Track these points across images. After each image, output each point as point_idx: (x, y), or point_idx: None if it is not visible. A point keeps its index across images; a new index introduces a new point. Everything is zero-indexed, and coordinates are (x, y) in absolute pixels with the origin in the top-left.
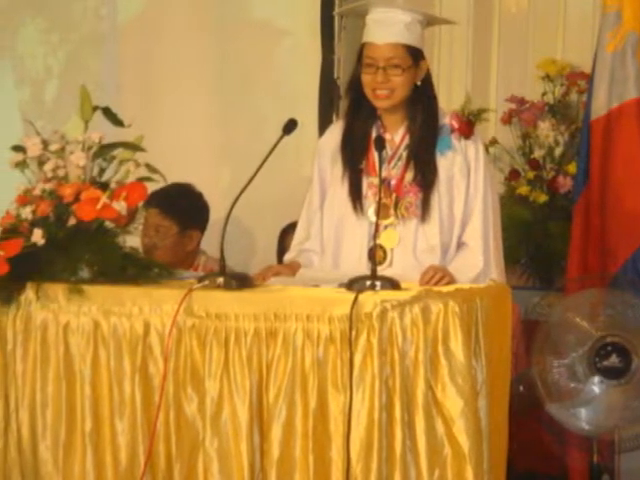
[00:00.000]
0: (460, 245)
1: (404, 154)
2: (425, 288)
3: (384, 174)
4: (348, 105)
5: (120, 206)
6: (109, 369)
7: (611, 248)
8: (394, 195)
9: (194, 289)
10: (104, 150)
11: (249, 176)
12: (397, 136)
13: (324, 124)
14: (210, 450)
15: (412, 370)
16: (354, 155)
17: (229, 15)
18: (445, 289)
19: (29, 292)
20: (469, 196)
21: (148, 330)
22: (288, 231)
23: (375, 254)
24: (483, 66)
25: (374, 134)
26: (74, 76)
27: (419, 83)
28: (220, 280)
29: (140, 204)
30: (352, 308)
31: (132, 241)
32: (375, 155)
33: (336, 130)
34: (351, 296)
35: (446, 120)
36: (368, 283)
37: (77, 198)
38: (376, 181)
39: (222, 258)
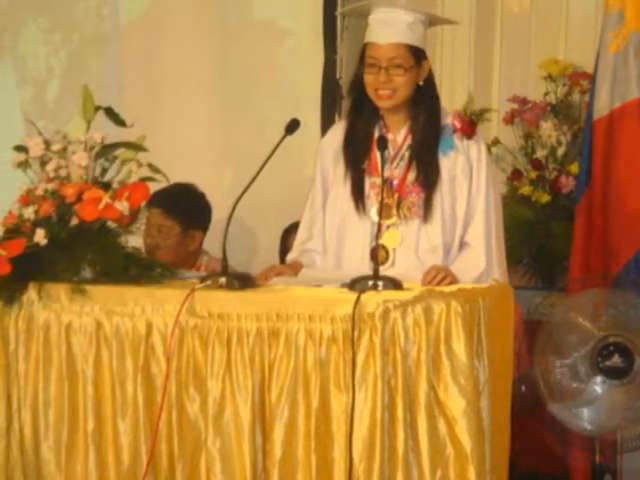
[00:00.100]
0: (462, 245)
1: (406, 154)
2: (427, 288)
3: (386, 174)
4: (350, 105)
5: (122, 206)
6: (111, 369)
7: (613, 248)
8: (396, 195)
9: (196, 289)
10: (106, 150)
11: (251, 176)
12: (399, 136)
13: (326, 124)
14: (212, 450)
15: (414, 370)
16: (356, 155)
17: (231, 15)
18: (447, 289)
19: (31, 292)
20: (471, 196)
21: (150, 330)
22: (290, 231)
23: (377, 254)
24: (485, 66)
25: (376, 134)
26: (76, 76)
27: (421, 83)
28: (222, 280)
29: (142, 204)
30: (354, 308)
31: (134, 241)
32: (377, 155)
33: (338, 130)
34: (353, 296)
35: (448, 120)
36: (370, 283)
37: (79, 198)
38: (378, 181)
39: (224, 258)
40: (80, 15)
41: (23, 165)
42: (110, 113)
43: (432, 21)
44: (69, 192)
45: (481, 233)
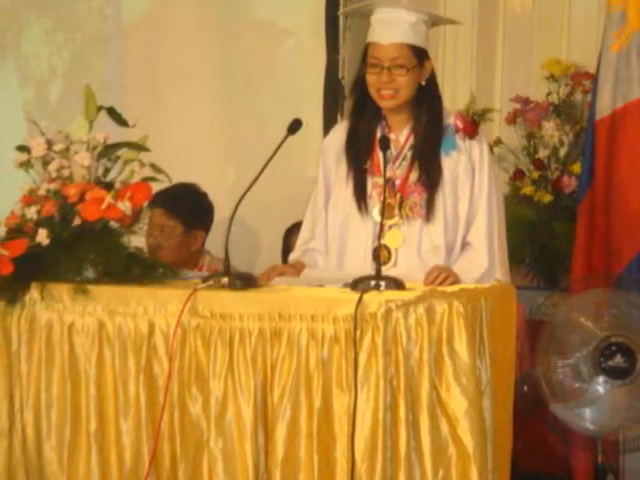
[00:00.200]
0: (465, 245)
1: (409, 154)
2: (430, 288)
3: (389, 174)
4: (353, 105)
5: (125, 206)
6: (114, 369)
7: (616, 248)
8: (399, 195)
9: (199, 289)
10: (109, 150)
11: (254, 176)
12: (402, 136)
13: (329, 124)
14: (215, 450)
15: (416, 370)
16: (359, 155)
17: (233, 15)
18: (450, 289)
19: (34, 292)
20: (474, 196)
21: (153, 330)
22: (293, 231)
23: (380, 254)
24: (488, 66)
25: (379, 134)
26: (79, 76)
27: (424, 83)
28: (225, 280)
29: (145, 204)
30: (357, 308)
31: (137, 241)
32: (380, 155)
33: (341, 130)
34: (356, 296)
35: (451, 120)
36: (373, 283)
37: (82, 198)
38: (381, 181)
39: (227, 258)
40: (83, 15)
41: (25, 165)
42: (112, 113)
43: (434, 21)
44: (71, 192)
45: (483, 233)
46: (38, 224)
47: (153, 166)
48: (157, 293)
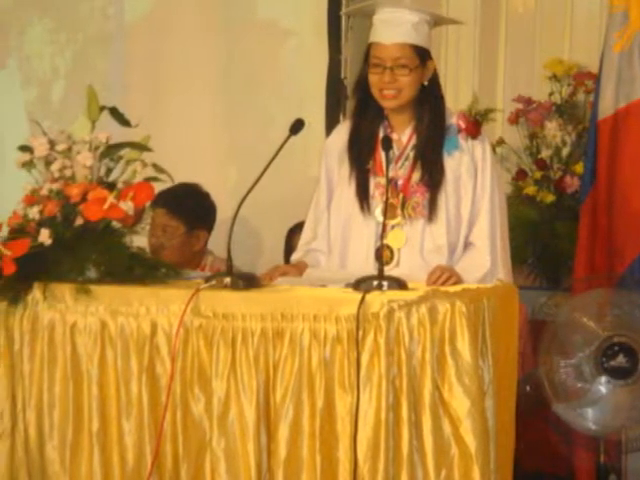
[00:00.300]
0: (467, 245)
1: (411, 154)
2: (432, 288)
3: (391, 174)
4: (355, 105)
5: (127, 206)
6: (116, 369)
7: (618, 248)
8: (401, 195)
9: (201, 289)
10: (111, 150)
11: (256, 176)
12: (404, 136)
13: (331, 124)
14: (217, 450)
15: (419, 370)
16: (361, 155)
17: (236, 15)
18: (452, 289)
19: (36, 292)
20: (476, 196)
21: (155, 330)
22: (295, 231)
23: (382, 254)
24: (490, 66)
25: (381, 134)
26: (81, 76)
27: (426, 83)
28: (227, 280)
29: (147, 204)
30: (359, 308)
31: (139, 241)
32: (382, 155)
33: (343, 130)
34: (358, 296)
35: (453, 120)
36: (375, 283)
37: (84, 198)
38: (383, 181)
39: (229, 258)
40: (85, 15)
41: (28, 165)
42: (115, 113)
43: (437, 21)
44: (74, 192)
45: (486, 233)
46: (40, 224)
47: (155, 166)
48: (159, 293)
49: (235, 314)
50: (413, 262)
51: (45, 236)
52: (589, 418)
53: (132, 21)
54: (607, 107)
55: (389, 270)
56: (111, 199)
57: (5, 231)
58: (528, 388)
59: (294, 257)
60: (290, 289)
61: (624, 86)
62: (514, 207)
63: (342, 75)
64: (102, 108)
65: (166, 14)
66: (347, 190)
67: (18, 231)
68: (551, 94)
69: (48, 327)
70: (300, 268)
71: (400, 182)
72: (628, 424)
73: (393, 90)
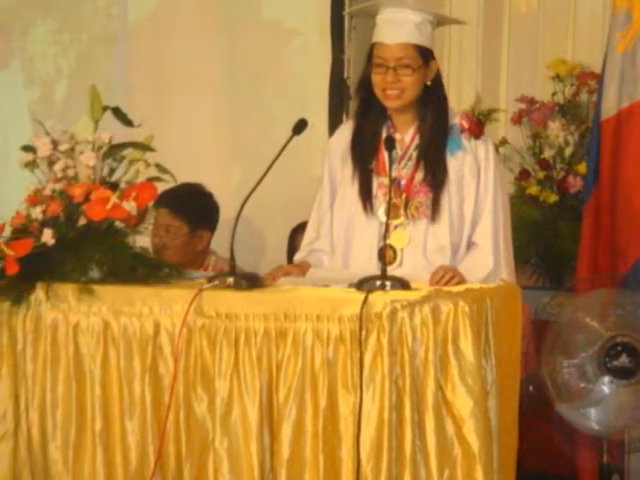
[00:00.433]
0: (470, 245)
1: (414, 154)
2: (435, 288)
3: (394, 174)
4: (358, 105)
5: (130, 206)
6: (119, 369)
7: (621, 248)
8: (404, 195)
9: (204, 289)
10: (114, 150)
11: (259, 176)
12: (407, 136)
13: (334, 124)
14: (220, 450)
15: (422, 370)
16: (364, 155)
17: (239, 15)
18: (455, 289)
19: (39, 292)
20: (479, 196)
21: (158, 330)
22: (298, 231)
23: (385, 254)
24: (493, 66)
25: (384, 134)
26: (84, 76)
27: (429, 83)
28: (230, 280)
29: (150, 204)
30: (362, 308)
31: (142, 241)
32: (385, 155)
33: (346, 130)
34: (361, 296)
35: (456, 120)
36: (378, 283)
37: (87, 198)
38: (386, 181)
39: (232, 258)
40: (88, 15)
41: (31, 165)
42: (118, 113)
43: (440, 21)
44: (77, 192)
45: (489, 233)
46: (43, 224)
47: (158, 166)
48: (162, 293)
49: (238, 314)
50: (416, 262)
51: (48, 236)
52: (592, 418)
53: (135, 21)
54: (610, 107)
55: (392, 270)
56: (114, 199)
57: (8, 231)
58: (531, 388)
59: (297, 257)
60: (293, 289)
61: (627, 86)
62: (517, 207)
63: (345, 75)
64: (105, 108)
65: (169, 14)
66: (350, 190)
67: (21, 231)
68: (554, 94)
69: (51, 327)
70: (303, 268)
71: (403, 182)
72: (631, 424)
73: (396, 90)
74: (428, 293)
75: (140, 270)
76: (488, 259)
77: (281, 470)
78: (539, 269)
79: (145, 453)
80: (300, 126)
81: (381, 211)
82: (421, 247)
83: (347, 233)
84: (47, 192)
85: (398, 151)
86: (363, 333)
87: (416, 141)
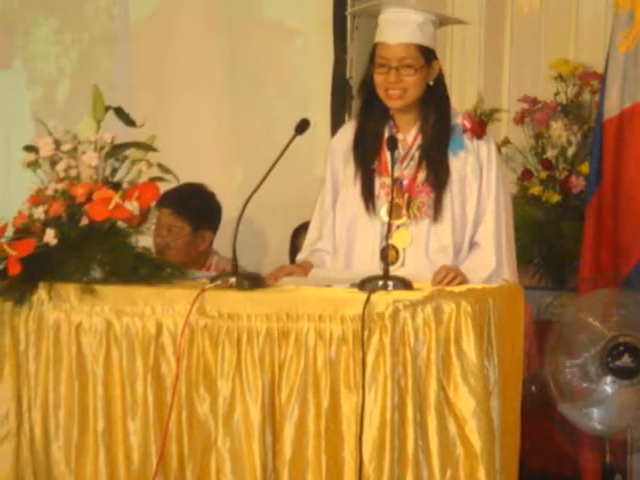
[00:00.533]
0: (472, 245)
1: (416, 154)
2: (437, 288)
3: (396, 174)
4: (360, 105)
5: (132, 206)
6: (121, 369)
7: (624, 248)
8: (406, 195)
9: (206, 289)
10: (116, 150)
11: (261, 176)
12: (409, 136)
13: (336, 124)
14: (222, 450)
15: (424, 370)
16: (366, 155)
17: (241, 15)
18: (457, 289)
19: (41, 292)
20: (481, 196)
21: (160, 330)
22: (300, 231)
23: (387, 254)
24: (495, 66)
25: (386, 134)
26: (86, 76)
27: (431, 83)
28: (232, 280)
29: (152, 204)
30: (364, 308)
31: (144, 241)
32: (387, 155)
33: (348, 130)
34: (363, 296)
35: (458, 120)
36: (380, 283)
37: (89, 198)
38: (388, 181)
39: (234, 258)
40: (90, 15)
41: (33, 165)
42: (120, 113)
43: (442, 21)
44: (79, 192)
45: (491, 233)
46: (46, 224)
47: (161, 166)
48: (165, 293)
49: (240, 314)
50: (418, 262)
51: (50, 236)
52: (595, 418)
53: (137, 21)
54: (613, 107)
55: (394, 270)
56: (116, 199)
57: (10, 231)
58: (533, 388)
59: (299, 257)
60: (295, 289)
61: (630, 86)
62: (519, 207)
63: (347, 75)
64: (107, 108)
65: (171, 14)
66: (352, 190)
67: (23, 231)
68: (556, 94)
69: (53, 327)
70: (305, 268)
71: (405, 182)
72: (634, 424)
73: (398, 90)
74: (430, 293)
75: (142, 270)
76: (490, 259)
77: (283, 470)
78: (542, 269)
79: (147, 453)
80: (302, 126)
81: (383, 211)
82: (423, 247)
83: (349, 233)
84: (49, 192)
85: (400, 151)
86: (365, 333)
87: (418, 141)
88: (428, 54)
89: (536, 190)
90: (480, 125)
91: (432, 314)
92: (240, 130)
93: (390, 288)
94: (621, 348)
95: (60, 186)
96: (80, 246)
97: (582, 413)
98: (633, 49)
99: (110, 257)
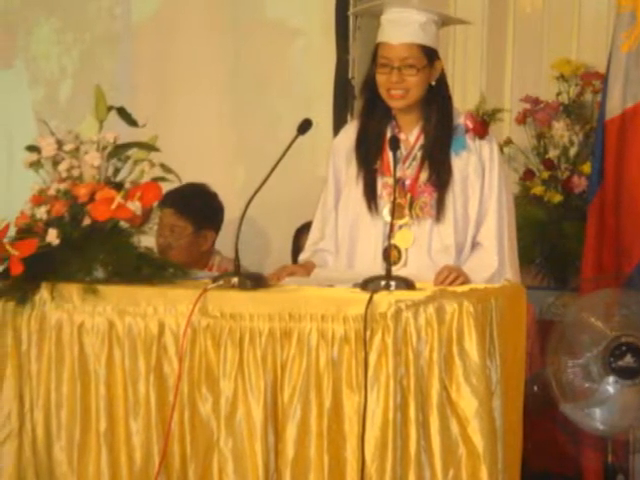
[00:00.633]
0: (475, 245)
1: (419, 154)
2: (440, 288)
3: (399, 174)
4: (363, 105)
5: (135, 206)
6: (124, 369)
7: (626, 248)
8: (409, 195)
9: (209, 289)
10: (119, 150)
11: (264, 176)
12: (412, 136)
13: (339, 124)
14: (225, 450)
15: (427, 370)
16: (369, 155)
17: (243, 15)
18: (460, 289)
19: (44, 292)
20: (484, 196)
21: (163, 330)
22: (303, 231)
23: (390, 254)
24: (498, 66)
25: (389, 134)
26: (88, 76)
27: (434, 83)
28: (235, 280)
29: (155, 204)
30: (367, 308)
31: (147, 241)
32: (390, 155)
33: (351, 130)
34: (366, 296)
35: (461, 120)
36: (383, 283)
37: (92, 198)
38: (391, 181)
39: (237, 258)
40: (92, 15)
41: (35, 165)
42: (122, 113)
43: (444, 21)
44: (81, 192)
45: (493, 233)
46: (48, 224)
47: (163, 166)
48: (167, 293)
49: (243, 314)
50: (421, 262)
51: (53, 236)
52: (597, 418)
53: (139, 21)
54: (614, 107)
55: (397, 270)
56: (119, 199)
57: (13, 231)
58: (536, 388)
59: (302, 257)
60: (298, 289)
61: (632, 86)
62: (522, 207)
63: (350, 75)
64: (110, 108)
65: (173, 14)
66: (355, 190)
67: (26, 231)
68: (559, 94)
69: (56, 327)
70: (308, 268)
71: (408, 182)
72: (636, 424)
73: (401, 90)
74: (433, 293)
75: (145, 270)
76: (493, 259)
77: (286, 470)
78: (544, 269)
79: (150, 453)
80: (305, 126)
81: (386, 211)
82: (426, 247)
83: (352, 233)
84: (52, 192)
85: (403, 151)
86: (368, 333)
87: (421, 141)
88: (430, 54)
89: (538, 190)
90: (482, 125)
91: (434, 314)
92: (243, 130)
93: (392, 288)
94: (623, 348)
95: (62, 186)
96: (82, 246)
97: (584, 413)
98: (635, 49)
99: (112, 257)
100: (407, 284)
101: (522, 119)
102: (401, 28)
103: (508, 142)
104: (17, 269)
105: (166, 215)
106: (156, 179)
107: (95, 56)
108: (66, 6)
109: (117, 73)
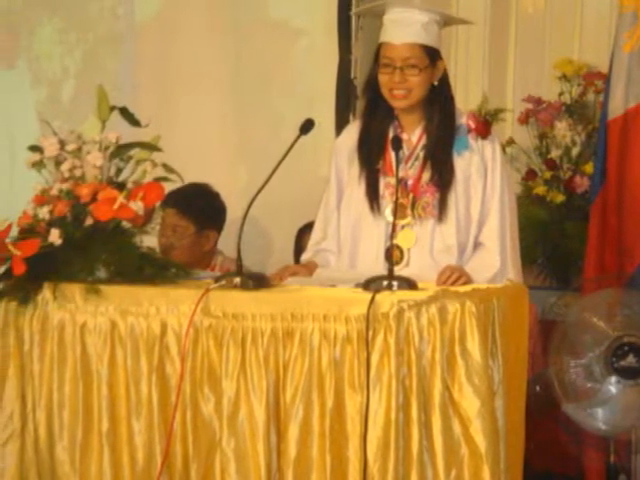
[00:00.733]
0: (477, 245)
1: (421, 154)
2: (442, 288)
3: (401, 174)
4: (365, 105)
5: (137, 206)
6: (126, 369)
7: (628, 248)
8: (411, 195)
9: (211, 289)
10: (121, 150)
11: (266, 176)
12: (414, 136)
13: (341, 124)
14: (227, 450)
15: (429, 370)
16: (371, 155)
17: (246, 15)
18: (462, 289)
19: (46, 292)
20: (486, 196)
21: (165, 330)
22: (305, 231)
23: (392, 254)
24: (500, 66)
25: (391, 134)
26: (91, 76)
27: (436, 83)
28: (237, 280)
29: (157, 204)
30: (369, 308)
31: (149, 241)
32: (392, 155)
33: (353, 130)
34: (368, 296)
35: (463, 120)
36: (385, 283)
37: (94, 198)
38: (393, 181)
39: (239, 258)
40: (95, 15)
41: (38, 165)
42: (125, 113)
43: (447, 21)
44: (84, 192)
45: (496, 233)
46: (50, 224)
47: (165, 166)
48: (169, 293)
49: (245, 314)
50: (423, 262)
51: (55, 236)
52: (599, 418)
53: (142, 21)
54: (617, 107)
55: (399, 270)
56: (121, 199)
57: (15, 231)
58: (538, 388)
59: (304, 257)
60: (300, 289)
61: (634, 86)
62: (524, 207)
63: (352, 75)
64: (112, 108)
65: (176, 14)
66: (357, 190)
67: (28, 231)
68: (561, 94)
69: (58, 327)
70: (310, 268)
71: (410, 182)
72: (638, 424)
73: (403, 90)
74: (435, 293)
75: (147, 270)
76: (495, 259)
77: (288, 470)
78: (546, 269)
79: (152, 453)
80: (307, 126)
81: (388, 211)
82: (428, 247)
83: (354, 233)
84: (54, 192)
85: (405, 151)
86: (370, 333)
87: (423, 141)
88: (433, 54)
89: (540, 190)
90: (485, 125)
91: (437, 314)
92: (245, 130)
93: (395, 288)
94: (625, 348)
95: (65, 186)
96: (85, 246)
97: (586, 413)
98: (637, 49)
99: (115, 257)
100: (409, 284)
101: (524, 119)
102: (403, 28)
103: (510, 142)
104: (20, 269)
105: (168, 215)
106: (158, 179)
107: (98, 56)
108: (69, 6)
109: (119, 73)
